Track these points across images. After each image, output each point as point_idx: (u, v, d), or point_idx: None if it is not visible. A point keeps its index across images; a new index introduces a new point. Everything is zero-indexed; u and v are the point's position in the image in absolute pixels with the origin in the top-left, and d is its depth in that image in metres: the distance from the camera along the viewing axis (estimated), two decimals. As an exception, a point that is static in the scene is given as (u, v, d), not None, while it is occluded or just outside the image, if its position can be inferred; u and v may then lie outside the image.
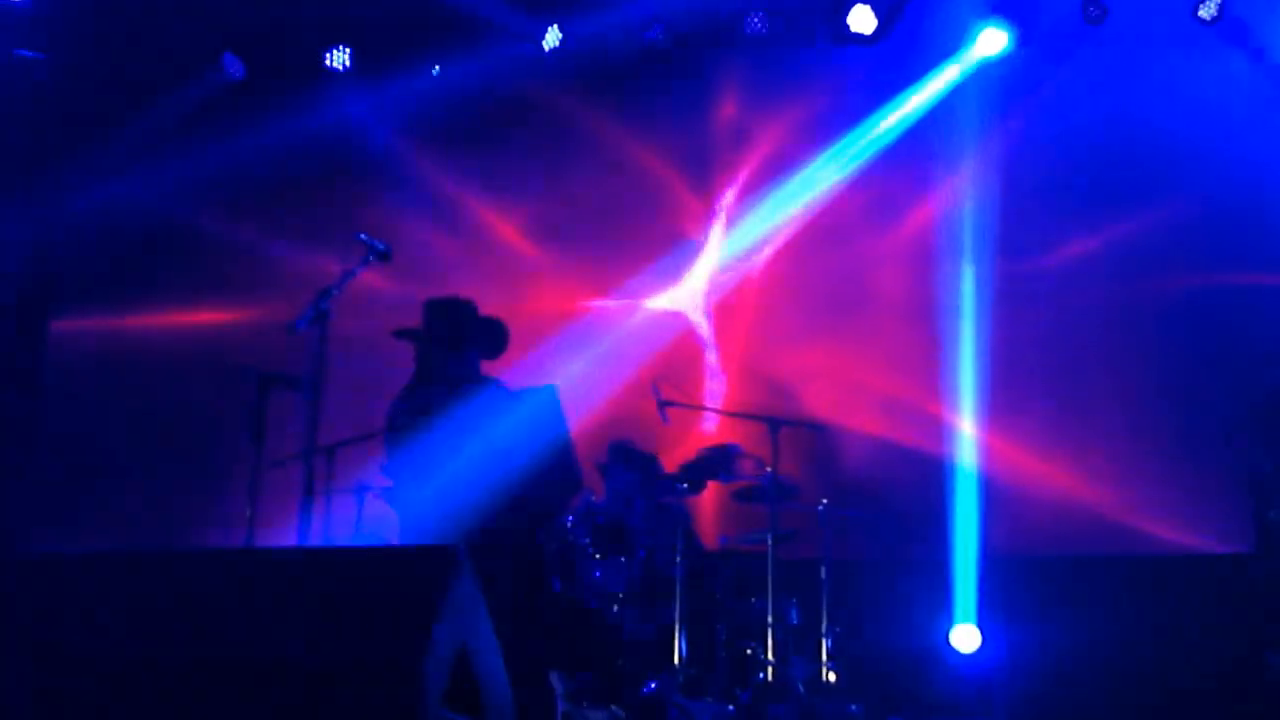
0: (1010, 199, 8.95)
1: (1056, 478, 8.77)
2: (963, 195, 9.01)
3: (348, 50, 8.98)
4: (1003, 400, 8.82)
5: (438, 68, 9.05)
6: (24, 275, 9.24)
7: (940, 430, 8.89)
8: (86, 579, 4.42)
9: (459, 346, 6.59)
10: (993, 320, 8.85)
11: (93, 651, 4.25)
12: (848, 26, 8.76)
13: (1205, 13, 8.35)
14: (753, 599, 7.51)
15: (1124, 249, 8.86)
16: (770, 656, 7.21)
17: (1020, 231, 8.97)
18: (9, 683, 4.18)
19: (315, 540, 6.20)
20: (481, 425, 6.30)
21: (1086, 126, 8.89)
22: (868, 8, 8.65)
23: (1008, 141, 8.99)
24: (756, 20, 8.80)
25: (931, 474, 8.77)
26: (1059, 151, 8.95)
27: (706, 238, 9.51)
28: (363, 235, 6.11)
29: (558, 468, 6.46)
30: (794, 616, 7.56)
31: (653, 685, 7.05)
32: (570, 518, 7.58)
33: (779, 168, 9.35)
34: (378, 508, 7.11)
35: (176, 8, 8.96)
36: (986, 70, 8.90)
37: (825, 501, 7.77)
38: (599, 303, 9.43)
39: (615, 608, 7.44)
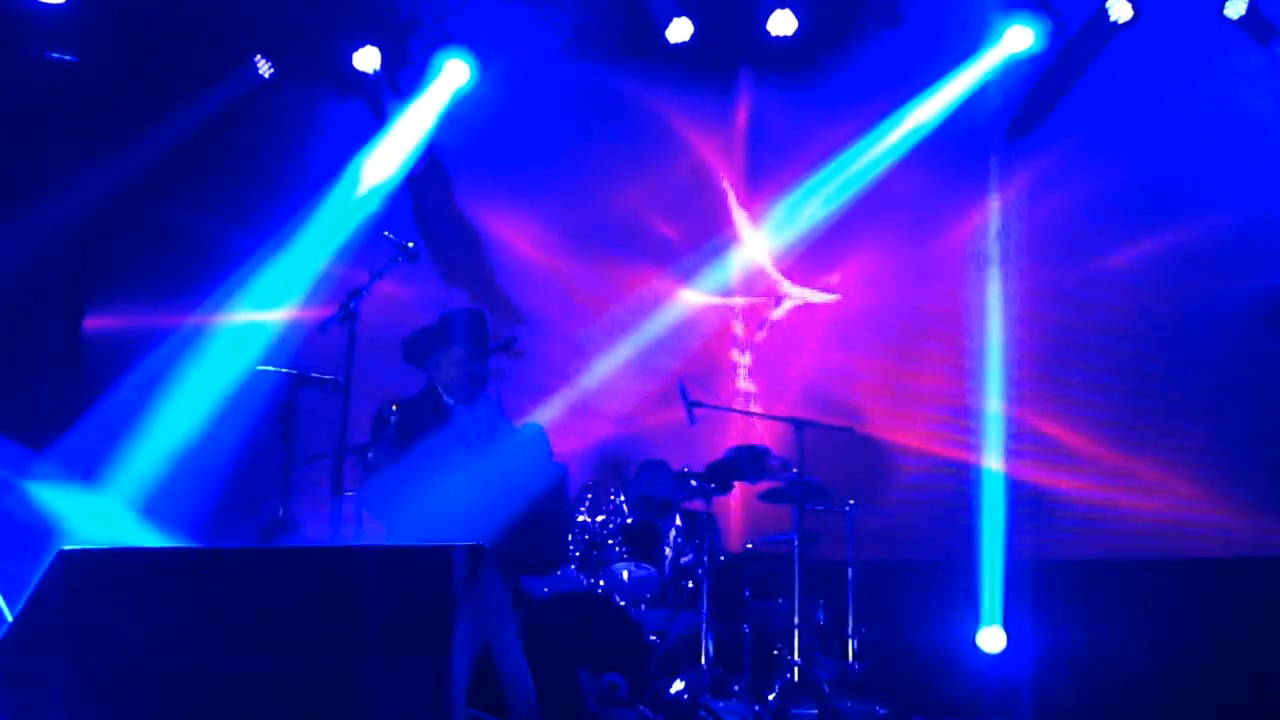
0: (1052, 204, 8.92)
1: (1085, 479, 8.75)
2: (1003, 200, 8.99)
3: (376, 51, 9.03)
4: (1032, 403, 8.80)
5: (469, 69, 9.10)
6: (58, 274, 9.34)
7: (969, 432, 8.88)
8: (114, 574, 4.46)
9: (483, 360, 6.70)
10: (1025, 324, 8.84)
11: (121, 646, 4.29)
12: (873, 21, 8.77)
13: (1232, 11, 8.31)
14: (779, 600, 7.54)
15: (1168, 256, 8.81)
16: (796, 657, 7.23)
17: (1057, 238, 8.95)
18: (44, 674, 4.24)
19: (345, 538, 6.24)
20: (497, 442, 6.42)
21: (1134, 132, 8.84)
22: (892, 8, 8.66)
23: (1050, 144, 8.96)
24: (781, 18, 8.83)
25: (959, 476, 8.76)
26: (1105, 156, 8.89)
27: (738, 237, 9.50)
28: (389, 234, 6.15)
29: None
30: (820, 617, 7.58)
31: (680, 686, 7.07)
32: (599, 516, 7.62)
33: (810, 167, 9.33)
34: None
35: (206, 9, 9.03)
36: (1026, 71, 8.87)
37: (852, 502, 7.78)
38: (626, 304, 9.44)
39: (643, 608, 7.48)
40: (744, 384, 9.38)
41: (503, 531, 6.41)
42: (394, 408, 6.37)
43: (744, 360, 9.42)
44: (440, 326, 6.60)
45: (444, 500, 6.26)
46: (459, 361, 6.56)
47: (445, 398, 6.65)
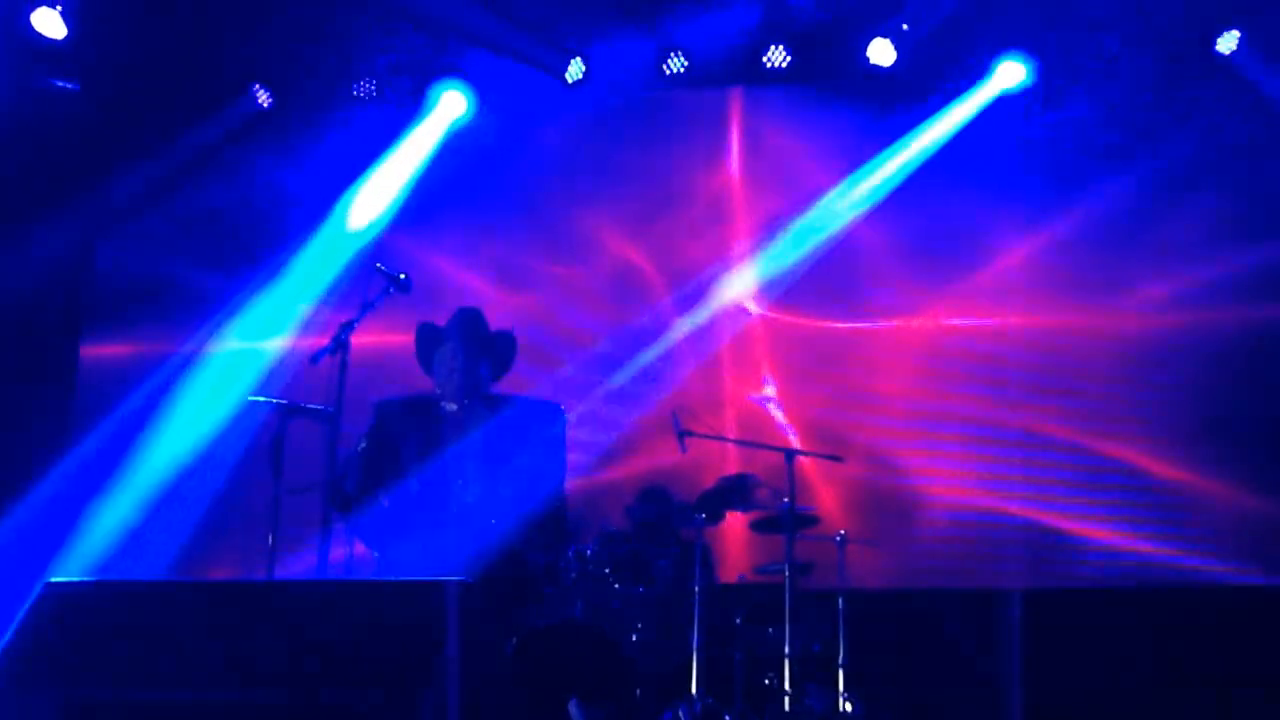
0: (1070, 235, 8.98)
1: (1079, 504, 8.78)
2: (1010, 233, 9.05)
3: (373, 81, 9.10)
4: (1028, 431, 8.84)
5: (466, 101, 9.18)
6: (56, 300, 9.40)
7: (964, 460, 8.91)
8: (101, 607, 4.50)
9: (503, 370, 6.63)
10: (1016, 353, 8.89)
11: (108, 678, 4.33)
12: (867, 59, 8.80)
13: (1224, 46, 8.36)
14: (770, 628, 7.54)
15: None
16: (787, 686, 7.23)
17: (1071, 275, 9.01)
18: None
19: (335, 568, 6.27)
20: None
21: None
22: (887, 41, 8.69)
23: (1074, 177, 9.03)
24: (777, 54, 8.89)
25: (953, 504, 8.79)
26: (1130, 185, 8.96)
27: (733, 268, 9.53)
28: (380, 266, 6.17)
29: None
30: (811, 646, 7.59)
31: (670, 715, 7.08)
32: (590, 547, 7.64)
33: (804, 201, 9.38)
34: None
35: (208, 39, 9.11)
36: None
37: (843, 532, 7.79)
38: (624, 331, 9.47)
39: (634, 637, 7.50)
40: (749, 408, 9.39)
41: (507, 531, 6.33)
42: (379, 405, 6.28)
43: (736, 389, 9.46)
44: (436, 328, 6.58)
45: (435, 504, 6.21)
46: (449, 357, 6.51)
47: (442, 402, 6.57)
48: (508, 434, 6.37)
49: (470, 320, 6.54)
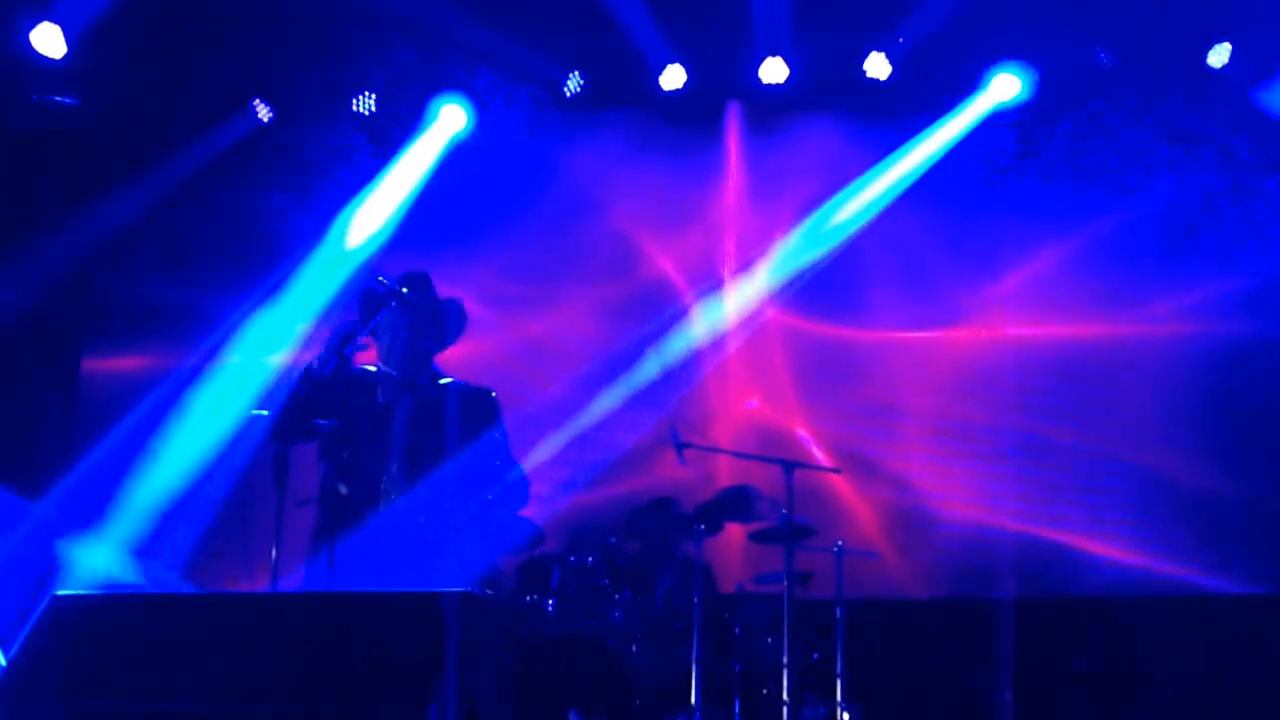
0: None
1: (1070, 518, 8.80)
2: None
3: (372, 96, 9.15)
4: (1016, 441, 8.88)
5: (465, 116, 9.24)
6: (57, 313, 9.42)
7: (955, 470, 8.94)
8: (108, 619, 4.53)
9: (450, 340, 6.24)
10: (1008, 364, 8.93)
11: (113, 690, 4.36)
12: (864, 72, 8.86)
13: (1215, 60, 8.41)
14: (769, 639, 7.57)
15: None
16: (785, 697, 7.26)
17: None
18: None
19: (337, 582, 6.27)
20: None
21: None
22: (883, 55, 8.75)
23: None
24: (771, 67, 8.95)
25: (945, 515, 8.82)
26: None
27: (727, 284, 9.57)
28: (382, 279, 6.11)
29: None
30: (810, 657, 7.62)
31: (669, 725, 7.12)
32: (591, 558, 7.66)
33: (804, 214, 9.42)
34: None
35: (206, 53, 9.15)
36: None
37: (841, 543, 7.82)
38: (620, 345, 9.50)
39: (633, 647, 7.52)
40: (757, 419, 9.42)
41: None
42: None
43: (734, 401, 9.50)
44: (379, 292, 6.09)
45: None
46: (392, 323, 6.17)
47: (383, 370, 6.02)
48: (438, 431, 5.94)
49: (417, 284, 6.03)
